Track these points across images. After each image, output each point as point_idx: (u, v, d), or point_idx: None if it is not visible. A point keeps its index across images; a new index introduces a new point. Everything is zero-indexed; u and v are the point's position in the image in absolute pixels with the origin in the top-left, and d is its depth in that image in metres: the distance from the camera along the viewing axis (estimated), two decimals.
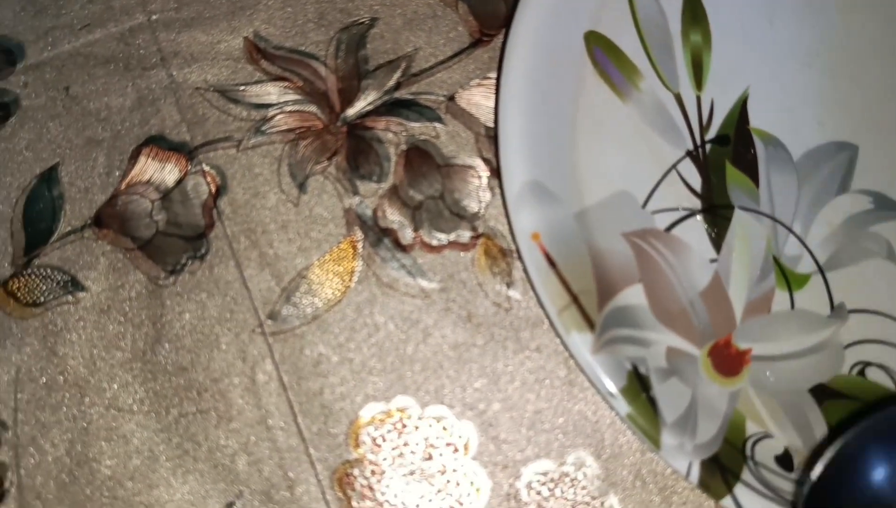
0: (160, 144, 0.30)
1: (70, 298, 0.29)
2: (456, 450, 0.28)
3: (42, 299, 0.29)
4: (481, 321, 0.29)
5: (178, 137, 0.30)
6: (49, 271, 0.29)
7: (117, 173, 0.30)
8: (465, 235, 0.30)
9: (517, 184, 0.29)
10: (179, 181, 0.30)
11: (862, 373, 0.29)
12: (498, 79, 0.30)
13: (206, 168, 0.30)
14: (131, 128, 0.30)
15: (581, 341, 0.28)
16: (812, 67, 0.32)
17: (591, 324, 0.28)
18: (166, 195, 0.30)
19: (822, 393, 0.29)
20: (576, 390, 0.28)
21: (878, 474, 0.25)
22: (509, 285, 0.29)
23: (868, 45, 0.32)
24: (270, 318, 0.29)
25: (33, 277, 0.29)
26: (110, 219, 0.30)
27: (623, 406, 0.27)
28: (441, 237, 0.30)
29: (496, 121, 0.30)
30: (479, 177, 0.30)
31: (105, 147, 0.30)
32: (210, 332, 0.28)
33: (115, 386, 0.28)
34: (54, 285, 0.29)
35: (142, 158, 0.30)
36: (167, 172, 0.30)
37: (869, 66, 0.31)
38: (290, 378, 0.28)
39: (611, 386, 0.27)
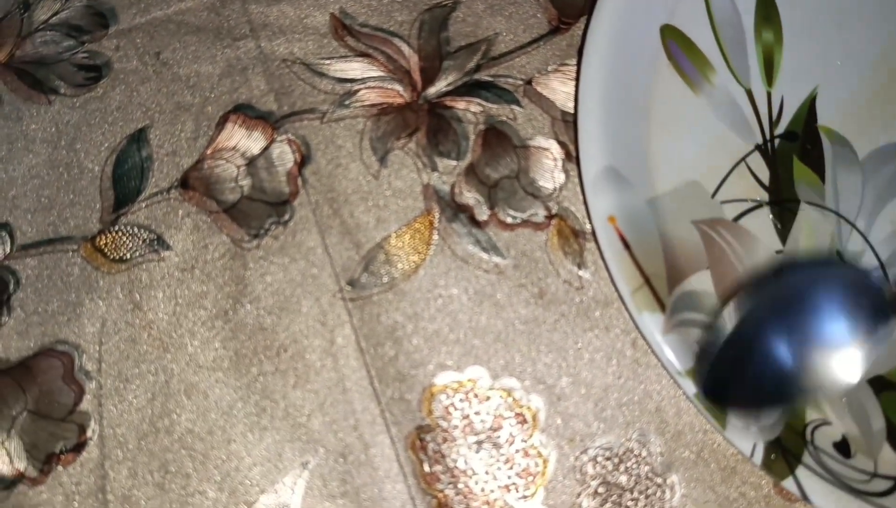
0: (247, 112, 0.31)
1: (155, 256, 0.30)
2: (525, 422, 0.29)
3: (128, 255, 0.30)
4: (552, 298, 0.30)
5: (265, 107, 0.31)
6: (136, 229, 0.30)
7: (204, 139, 0.31)
8: (539, 214, 0.31)
9: (594, 169, 0.30)
10: (265, 149, 0.31)
11: None
12: (578, 67, 0.31)
13: (292, 137, 0.31)
14: (220, 95, 0.31)
15: (652, 321, 0.29)
16: (879, 70, 0.32)
17: (662, 306, 0.29)
18: (252, 162, 0.31)
19: (879, 384, 0.30)
20: (642, 369, 0.29)
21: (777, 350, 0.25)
22: (580, 265, 0.30)
23: None
24: (350, 284, 0.30)
25: (120, 234, 0.30)
26: (196, 182, 0.30)
27: (691, 386, 0.28)
28: (515, 216, 0.31)
29: (575, 108, 0.31)
30: (555, 159, 0.31)
31: (193, 112, 0.31)
32: (291, 294, 0.29)
33: (197, 343, 0.29)
34: (140, 242, 0.30)
35: (229, 125, 0.31)
36: (253, 140, 0.31)
37: None
38: (367, 343, 0.29)
39: (679, 366, 0.28)
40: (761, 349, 0.25)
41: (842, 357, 0.25)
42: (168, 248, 0.30)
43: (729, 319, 0.25)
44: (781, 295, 0.26)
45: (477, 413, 0.29)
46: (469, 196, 0.31)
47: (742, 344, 0.25)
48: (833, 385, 0.25)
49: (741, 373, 0.25)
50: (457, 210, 0.30)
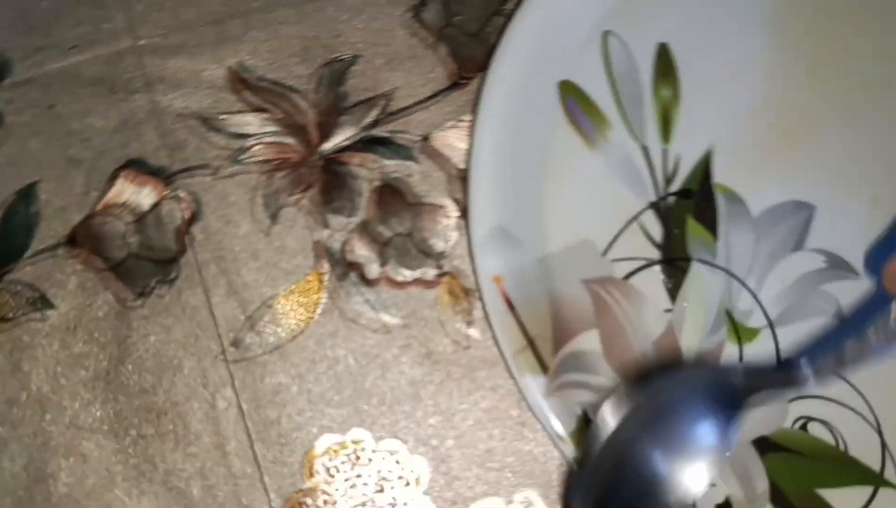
0: (139, 167, 0.31)
1: (38, 315, 0.29)
2: (407, 484, 0.29)
3: (11, 314, 0.29)
4: (440, 358, 0.30)
5: (157, 162, 0.31)
6: (20, 287, 0.30)
7: (95, 194, 0.31)
8: (430, 272, 0.31)
9: (484, 229, 0.30)
10: (155, 205, 0.31)
11: (804, 428, 0.30)
12: (472, 123, 0.31)
13: (182, 194, 0.31)
14: (112, 150, 0.31)
15: (534, 383, 0.29)
16: (776, 127, 0.33)
17: (544, 367, 0.29)
18: (141, 218, 0.30)
19: (764, 446, 0.30)
20: (527, 430, 0.29)
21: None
22: (469, 324, 0.30)
23: (830, 108, 0.33)
24: (233, 345, 0.29)
25: (3, 292, 0.30)
26: (84, 239, 0.30)
27: (571, 450, 0.28)
28: (406, 274, 0.30)
29: (468, 165, 0.31)
30: (449, 217, 0.31)
31: (85, 167, 0.31)
32: (174, 356, 0.29)
33: (77, 405, 0.29)
34: (24, 301, 0.30)
35: (120, 181, 0.31)
36: (144, 196, 0.31)
37: (829, 129, 0.33)
38: (249, 406, 0.29)
39: (560, 430, 0.28)
40: (631, 461, 0.25)
41: (703, 460, 0.25)
42: (51, 307, 0.30)
43: (602, 427, 0.26)
44: (649, 404, 0.26)
45: (359, 476, 0.29)
46: (360, 254, 0.31)
47: (612, 460, 0.25)
48: (695, 490, 0.25)
49: (613, 487, 0.26)
50: (347, 268, 0.30)
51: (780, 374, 0.27)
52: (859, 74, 0.33)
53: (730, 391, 0.25)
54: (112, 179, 0.31)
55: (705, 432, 0.25)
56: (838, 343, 0.25)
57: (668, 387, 0.26)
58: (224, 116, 0.32)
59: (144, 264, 0.30)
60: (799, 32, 0.34)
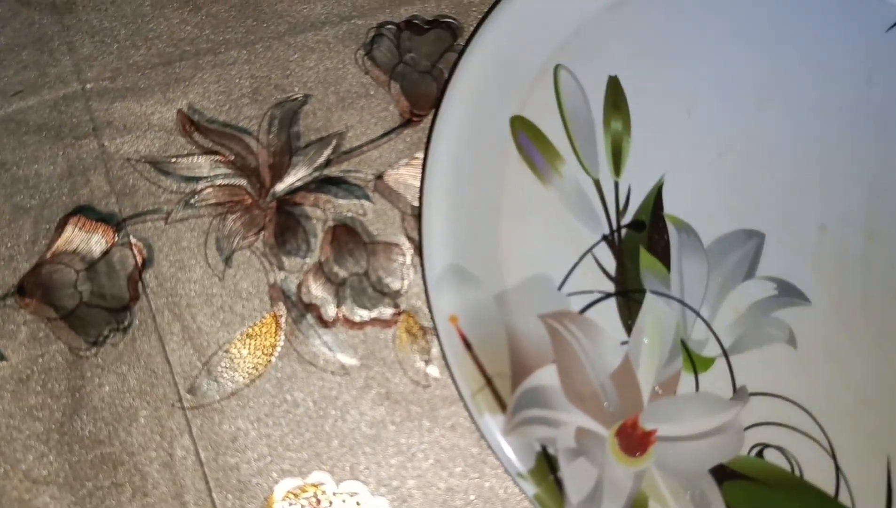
0: (88, 214, 0.31)
1: None
2: None
3: None
4: (399, 398, 0.30)
5: (107, 208, 0.31)
6: None
7: (43, 242, 0.30)
8: (386, 312, 0.31)
9: (438, 267, 0.30)
10: (106, 252, 0.30)
11: (760, 454, 0.30)
12: (424, 161, 0.31)
13: (133, 240, 0.30)
14: (60, 197, 0.31)
15: (493, 422, 0.29)
16: (725, 156, 0.33)
17: (503, 406, 0.29)
18: (92, 266, 0.30)
19: (721, 474, 0.30)
20: (488, 468, 0.29)
21: None
22: (428, 362, 0.30)
23: (777, 137, 0.33)
24: (190, 392, 0.29)
25: None
26: (34, 288, 0.30)
27: (531, 487, 0.28)
28: (363, 314, 0.30)
29: (420, 204, 0.31)
30: (404, 255, 0.31)
31: (32, 215, 0.30)
32: (129, 405, 0.29)
33: (31, 457, 0.28)
34: None
35: (69, 228, 0.30)
36: (94, 243, 0.30)
37: (777, 157, 0.33)
38: (207, 454, 0.29)
39: (520, 467, 0.28)
40: None
41: None
42: (2, 358, 0.29)
43: None
44: None
45: None
46: (316, 295, 0.30)
47: None
48: None
49: None
50: (304, 310, 0.30)
51: None
52: (806, 102, 0.34)
53: None
54: (61, 226, 0.30)
55: None
56: None
57: None
58: (174, 160, 0.31)
59: (97, 313, 0.30)
60: (747, 62, 0.34)
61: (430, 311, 0.29)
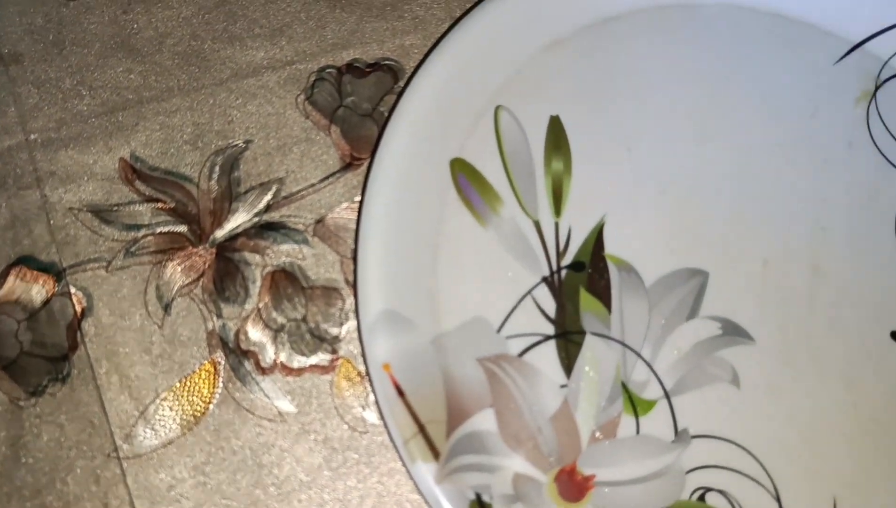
0: (30, 264, 0.31)
1: None
2: None
3: None
4: (336, 444, 0.30)
5: (48, 258, 0.31)
6: None
7: None
8: (325, 358, 0.31)
9: (372, 313, 0.30)
10: (46, 302, 0.31)
11: (702, 498, 0.30)
12: (360, 204, 0.32)
13: (73, 289, 0.31)
14: (3, 247, 0.31)
15: (425, 470, 0.29)
16: (666, 194, 0.33)
17: (436, 453, 0.29)
18: (33, 316, 0.30)
19: None
20: None
21: None
22: (365, 408, 0.30)
23: (719, 174, 0.33)
24: (126, 442, 0.29)
25: None
26: None
27: None
28: (301, 360, 0.31)
29: (356, 248, 0.31)
30: (343, 300, 0.31)
31: None
32: (66, 455, 0.29)
33: None
34: None
35: (10, 278, 0.31)
36: (35, 293, 0.31)
37: (719, 195, 0.33)
38: (141, 503, 0.29)
39: None
40: None
41: None
42: None
43: None
44: None
45: None
46: (254, 342, 0.31)
47: None
48: None
49: None
50: (241, 357, 0.30)
51: None
52: (748, 137, 0.34)
53: None
54: (3, 277, 0.31)
55: None
56: None
57: None
58: (116, 208, 0.32)
59: (37, 362, 0.30)
60: (688, 98, 0.34)
61: (364, 358, 0.29)
